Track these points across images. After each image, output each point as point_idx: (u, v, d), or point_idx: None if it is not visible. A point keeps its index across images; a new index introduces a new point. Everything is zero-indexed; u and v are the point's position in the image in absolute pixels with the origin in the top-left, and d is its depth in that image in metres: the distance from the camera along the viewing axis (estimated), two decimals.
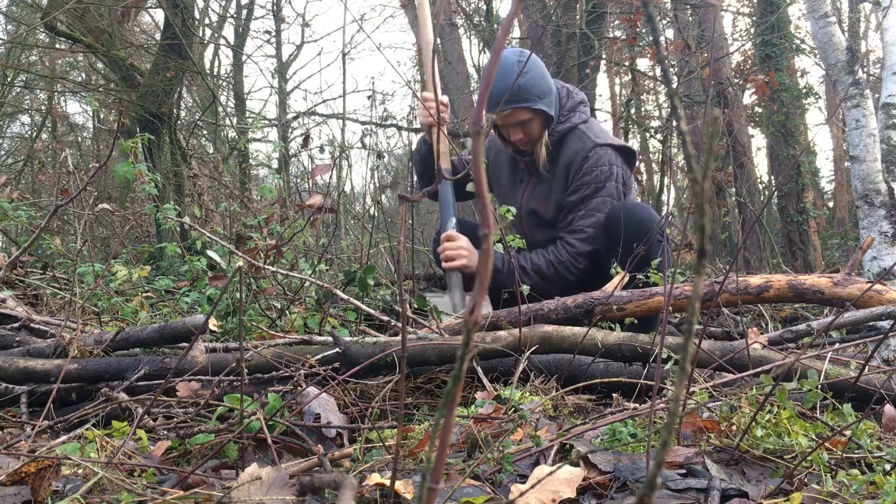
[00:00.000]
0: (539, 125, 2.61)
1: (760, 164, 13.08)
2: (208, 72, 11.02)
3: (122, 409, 1.55)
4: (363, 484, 1.05)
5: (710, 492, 0.99)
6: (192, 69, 6.97)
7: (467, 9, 10.36)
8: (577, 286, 2.47)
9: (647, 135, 12.31)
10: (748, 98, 10.32)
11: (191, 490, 1.09)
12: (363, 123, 11.57)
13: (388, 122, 11.00)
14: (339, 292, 2.12)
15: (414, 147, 2.95)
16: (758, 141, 12.87)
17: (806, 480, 1.07)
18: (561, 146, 2.65)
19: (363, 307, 2.14)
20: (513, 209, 2.31)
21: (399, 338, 1.81)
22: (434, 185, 1.88)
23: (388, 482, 0.99)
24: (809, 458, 1.08)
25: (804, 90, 9.78)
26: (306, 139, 3.93)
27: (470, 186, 2.61)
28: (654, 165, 12.78)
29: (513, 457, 1.14)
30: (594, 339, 1.72)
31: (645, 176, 13.49)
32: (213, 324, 1.95)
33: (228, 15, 12.14)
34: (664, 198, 9.92)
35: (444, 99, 2.57)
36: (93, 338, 1.85)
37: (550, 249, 2.61)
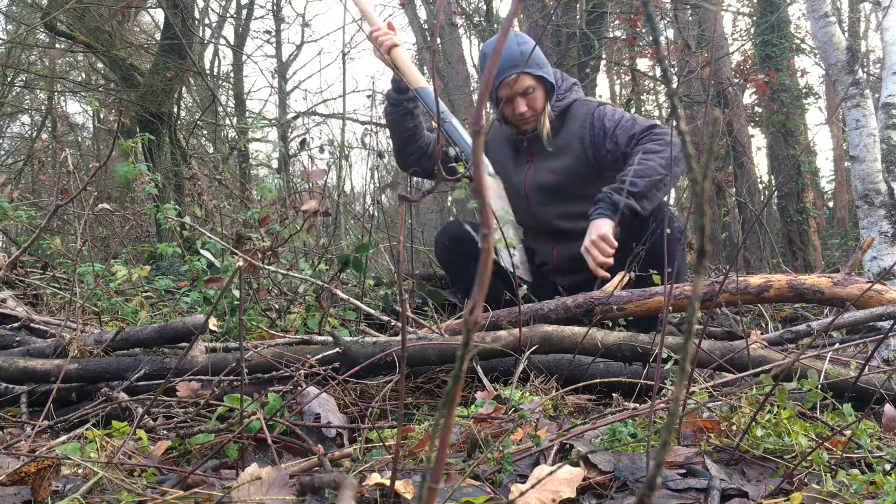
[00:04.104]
0: (542, 96, 2.67)
1: (760, 164, 13.08)
2: (208, 72, 11.01)
3: (122, 409, 1.55)
4: (363, 484, 1.05)
5: (710, 492, 0.99)
6: (192, 69, 6.97)
7: (467, 9, 10.36)
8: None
9: None
10: (748, 98, 10.32)
11: (191, 490, 1.09)
12: (363, 123, 11.56)
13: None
14: (339, 292, 2.12)
15: (383, 112, 2.86)
16: (758, 141, 12.87)
17: (806, 480, 1.07)
18: (565, 119, 2.72)
19: (363, 307, 2.14)
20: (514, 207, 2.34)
21: (399, 338, 1.81)
22: (433, 186, 1.88)
23: (388, 482, 0.99)
24: (809, 458, 1.08)
25: (804, 90, 9.77)
26: (303, 142, 3.96)
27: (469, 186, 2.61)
28: None
29: (513, 457, 1.14)
30: (594, 339, 1.72)
31: None
32: (213, 324, 1.95)
33: (228, 15, 12.14)
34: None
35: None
36: (93, 338, 1.85)
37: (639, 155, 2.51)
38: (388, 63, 2.63)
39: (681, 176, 2.46)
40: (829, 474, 1.07)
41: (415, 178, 2.97)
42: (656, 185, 2.45)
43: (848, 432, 1.17)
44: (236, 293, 2.10)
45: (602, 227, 2.38)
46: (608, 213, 2.41)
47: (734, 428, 1.22)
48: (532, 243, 2.81)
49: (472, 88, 9.74)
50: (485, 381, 1.71)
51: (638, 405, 1.48)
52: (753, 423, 1.16)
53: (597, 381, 1.67)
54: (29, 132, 11.47)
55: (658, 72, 10.27)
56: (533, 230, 2.78)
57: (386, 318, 2.17)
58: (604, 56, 9.40)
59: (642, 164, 2.45)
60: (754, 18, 9.76)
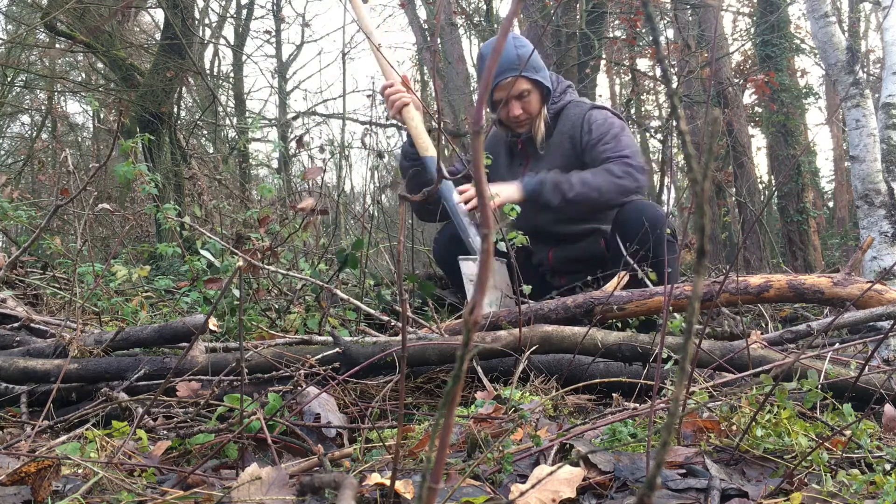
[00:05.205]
0: (537, 100, 2.69)
1: (760, 164, 13.09)
2: (208, 72, 11.01)
3: (122, 409, 1.55)
4: (363, 484, 1.05)
5: (710, 492, 0.99)
6: (192, 69, 6.96)
7: (467, 9, 10.36)
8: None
9: (647, 135, 12.30)
10: (748, 98, 10.32)
11: (191, 490, 1.09)
12: (363, 123, 11.56)
13: (389, 122, 11.00)
14: (338, 292, 2.12)
15: (399, 165, 2.87)
16: (758, 141, 12.87)
17: (806, 480, 1.07)
18: (558, 120, 2.73)
19: (363, 307, 2.14)
20: (517, 208, 2.35)
21: (399, 338, 1.81)
22: (434, 187, 1.87)
23: (388, 482, 0.99)
24: (809, 457, 1.08)
25: (804, 90, 9.78)
26: (299, 141, 3.96)
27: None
28: (654, 165, 12.76)
29: (513, 457, 1.14)
30: (594, 339, 1.72)
31: None
32: (213, 324, 1.95)
33: (228, 15, 12.14)
34: (664, 198, 9.92)
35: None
36: (93, 338, 1.85)
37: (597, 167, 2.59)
38: (399, 121, 2.64)
39: (615, 203, 2.55)
40: (829, 474, 1.07)
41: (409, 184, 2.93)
42: (589, 200, 2.51)
43: (848, 432, 1.17)
44: (236, 293, 2.10)
45: (506, 192, 2.52)
46: (527, 187, 2.54)
47: (734, 428, 1.22)
48: (529, 244, 2.81)
49: (471, 88, 9.74)
50: (485, 381, 1.71)
51: (638, 405, 1.48)
52: (753, 423, 1.16)
53: (597, 381, 1.67)
54: (29, 132, 11.47)
55: (658, 72, 10.27)
56: (530, 234, 2.78)
57: (386, 318, 2.17)
58: (604, 56, 9.40)
59: (597, 177, 2.52)
60: (754, 18, 9.77)
